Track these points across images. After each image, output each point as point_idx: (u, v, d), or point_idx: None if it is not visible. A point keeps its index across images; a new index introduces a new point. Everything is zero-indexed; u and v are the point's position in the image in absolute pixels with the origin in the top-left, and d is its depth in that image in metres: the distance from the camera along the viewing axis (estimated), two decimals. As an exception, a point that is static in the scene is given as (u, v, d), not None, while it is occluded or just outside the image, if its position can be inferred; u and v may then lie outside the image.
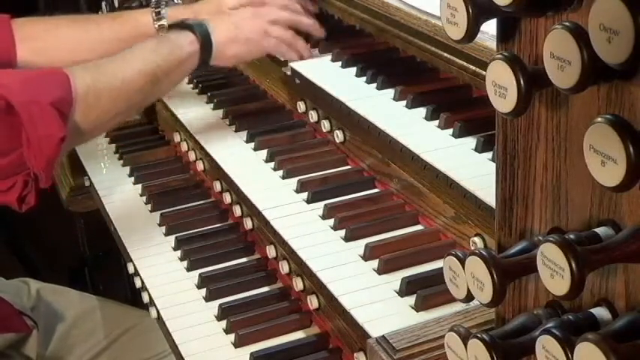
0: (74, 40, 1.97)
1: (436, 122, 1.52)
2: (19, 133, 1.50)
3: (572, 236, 0.80)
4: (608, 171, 0.70)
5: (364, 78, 1.72)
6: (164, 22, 1.95)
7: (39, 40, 1.94)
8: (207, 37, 1.80)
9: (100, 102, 1.63)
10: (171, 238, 1.90)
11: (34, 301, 2.12)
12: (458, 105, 1.54)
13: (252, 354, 1.52)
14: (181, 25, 1.82)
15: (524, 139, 0.91)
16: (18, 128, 1.50)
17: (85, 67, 1.67)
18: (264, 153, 1.85)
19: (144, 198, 2.07)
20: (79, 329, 2.13)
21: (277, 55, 1.91)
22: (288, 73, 1.87)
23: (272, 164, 1.80)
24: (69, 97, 1.56)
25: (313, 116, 1.82)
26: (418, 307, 1.32)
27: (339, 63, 1.80)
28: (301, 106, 1.87)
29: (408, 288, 1.36)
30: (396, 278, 1.39)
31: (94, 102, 1.61)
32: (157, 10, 1.96)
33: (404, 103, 1.60)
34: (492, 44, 1.10)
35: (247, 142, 1.92)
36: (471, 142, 1.44)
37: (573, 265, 0.73)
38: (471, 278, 0.84)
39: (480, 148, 1.41)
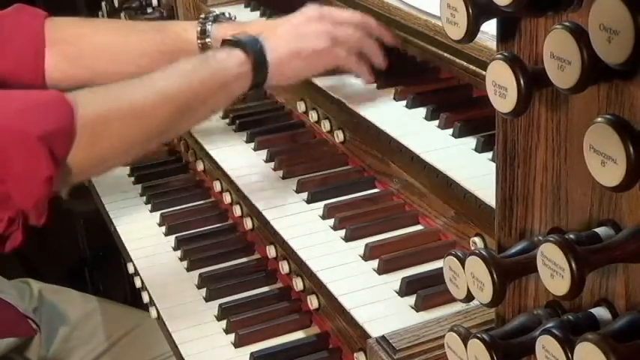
0: (111, 49, 1.82)
1: (436, 122, 1.52)
2: (5, 167, 1.34)
3: (572, 236, 0.80)
4: (608, 171, 0.70)
5: (364, 78, 1.72)
6: (208, 40, 1.75)
7: (73, 44, 1.81)
8: (261, 57, 1.55)
9: (111, 133, 1.43)
10: (172, 238, 1.90)
11: (37, 302, 2.12)
12: (458, 105, 1.54)
13: (252, 354, 1.52)
14: (232, 42, 1.57)
15: (524, 139, 0.91)
16: (3, 161, 1.34)
17: (97, 92, 1.48)
18: (264, 153, 1.85)
19: (144, 198, 2.08)
20: (80, 331, 2.13)
21: (347, 70, 1.68)
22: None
23: (272, 164, 1.80)
24: (68, 130, 1.37)
25: (313, 116, 1.82)
26: (418, 307, 1.32)
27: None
28: (301, 106, 1.86)
29: (408, 288, 1.36)
30: (396, 278, 1.39)
31: (103, 133, 1.42)
32: (202, 27, 1.76)
33: (404, 103, 1.60)
34: (492, 44, 1.10)
35: (247, 142, 1.92)
36: (471, 142, 1.44)
37: (573, 265, 0.73)
38: (471, 278, 0.85)
39: (480, 148, 1.41)
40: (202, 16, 1.80)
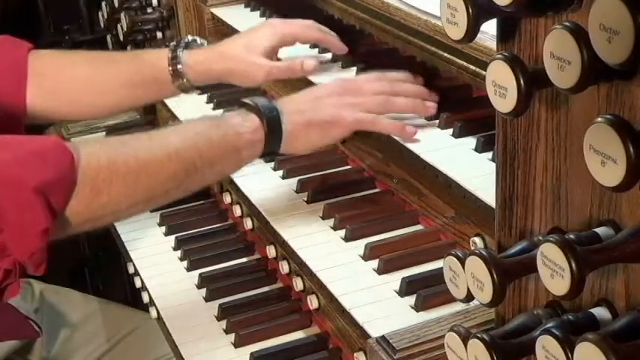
0: (88, 82, 1.80)
1: (436, 122, 1.52)
2: (1, 217, 1.26)
3: (572, 236, 0.80)
4: (608, 171, 0.70)
5: (364, 78, 1.71)
6: (180, 66, 1.76)
7: (50, 78, 1.79)
8: (275, 125, 1.50)
9: (112, 188, 1.34)
10: (171, 238, 1.90)
11: (38, 303, 2.12)
12: (458, 105, 1.54)
13: (252, 354, 1.52)
14: (248, 106, 1.52)
15: (524, 139, 0.91)
16: None
17: (102, 143, 1.42)
18: (264, 153, 1.85)
19: (144, 198, 2.07)
20: (81, 332, 2.13)
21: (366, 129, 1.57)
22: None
23: (272, 164, 1.80)
24: (67, 180, 1.30)
25: (313, 116, 1.82)
26: (418, 307, 1.32)
27: (339, 63, 1.80)
28: (301, 106, 1.86)
29: (408, 288, 1.36)
30: (396, 278, 1.39)
31: (105, 188, 1.33)
32: (173, 53, 1.77)
33: (404, 103, 1.59)
34: (492, 44, 1.10)
35: (247, 142, 1.91)
36: (471, 142, 1.44)
37: (573, 265, 0.73)
38: (471, 278, 0.85)
39: (480, 148, 1.41)
40: (173, 42, 1.81)
